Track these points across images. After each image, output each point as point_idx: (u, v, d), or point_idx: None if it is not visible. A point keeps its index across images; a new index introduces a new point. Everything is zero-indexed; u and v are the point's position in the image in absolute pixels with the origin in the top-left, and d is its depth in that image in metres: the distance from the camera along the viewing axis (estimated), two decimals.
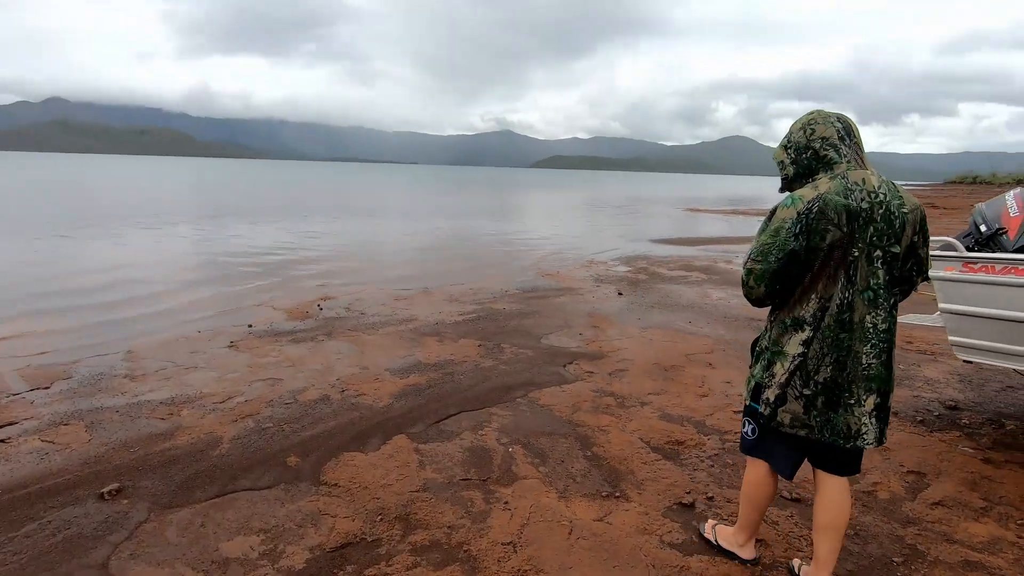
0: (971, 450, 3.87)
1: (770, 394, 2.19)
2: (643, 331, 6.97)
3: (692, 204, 39.48)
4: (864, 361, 2.05)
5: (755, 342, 2.37)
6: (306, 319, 7.36)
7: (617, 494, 3.29)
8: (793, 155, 2.21)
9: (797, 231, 2.01)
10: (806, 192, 2.08)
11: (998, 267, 3.61)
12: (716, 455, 3.79)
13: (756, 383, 2.29)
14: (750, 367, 2.38)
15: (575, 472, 3.55)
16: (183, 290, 8.91)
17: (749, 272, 2.12)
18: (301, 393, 4.78)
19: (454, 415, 4.40)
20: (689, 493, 3.31)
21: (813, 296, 2.07)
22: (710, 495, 3.30)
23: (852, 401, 2.08)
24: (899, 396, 4.78)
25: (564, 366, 5.60)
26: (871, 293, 2.04)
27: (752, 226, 23.16)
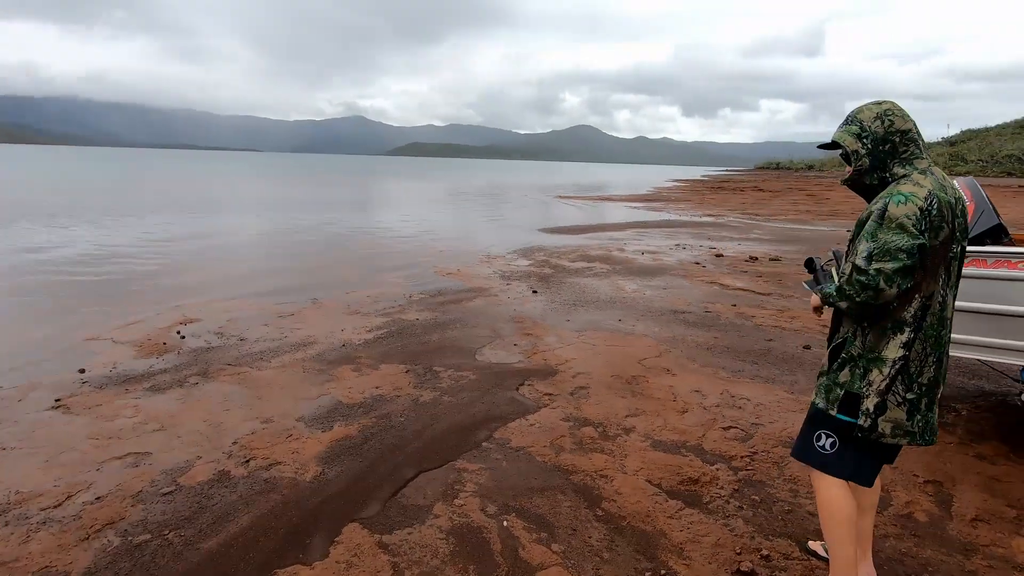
0: (955, 444, 3.84)
1: (869, 404, 2.04)
2: (580, 335, 6.41)
3: (554, 191, 40.54)
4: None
5: (834, 348, 2.17)
6: (165, 354, 5.68)
7: (663, 572, 2.62)
8: (869, 146, 2.10)
9: (922, 227, 1.93)
10: (914, 188, 1.97)
11: (989, 260, 3.53)
12: (737, 491, 3.29)
13: (847, 393, 2.10)
14: (823, 375, 2.20)
15: (597, 545, 2.81)
16: None
17: (878, 272, 1.92)
18: (184, 473, 3.42)
19: (413, 479, 3.41)
20: (740, 554, 2.74)
21: (916, 296, 1.99)
22: (763, 552, 2.76)
23: (939, 397, 2.10)
24: None
25: (517, 389, 4.81)
26: (955, 289, 2.07)
27: (624, 213, 24.18)
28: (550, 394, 4.70)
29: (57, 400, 4.49)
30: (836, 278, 2.28)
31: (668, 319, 7.15)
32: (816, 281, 2.44)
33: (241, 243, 13.34)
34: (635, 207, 27.10)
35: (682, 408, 4.42)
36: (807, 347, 6.04)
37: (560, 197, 33.69)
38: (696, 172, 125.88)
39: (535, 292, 8.60)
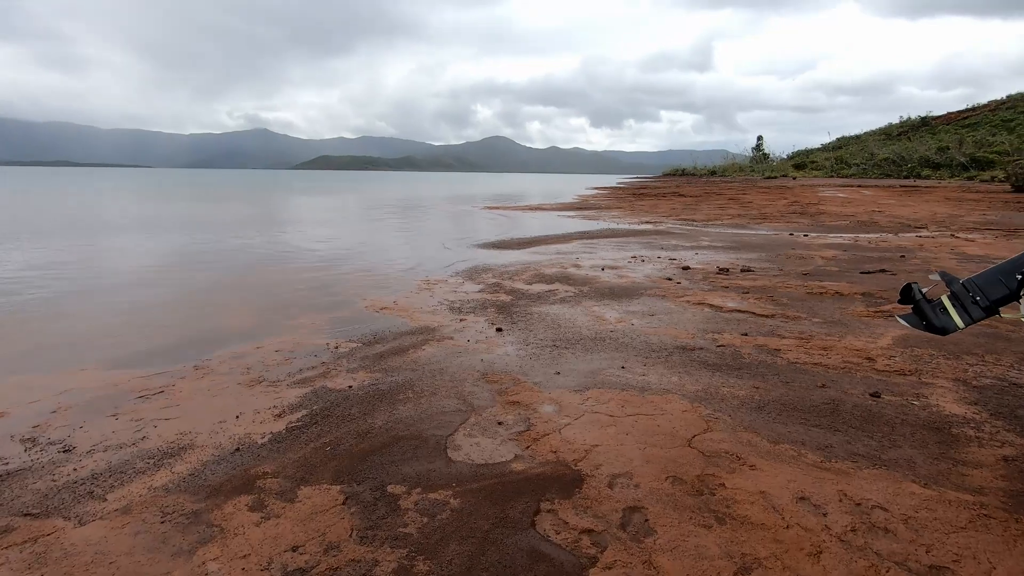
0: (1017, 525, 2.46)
1: None
2: (583, 397, 4.66)
3: (476, 201, 38.90)
4: None
5: None
6: None
7: None
8: None
9: None
10: None
11: None
12: None
13: None
14: None
15: None
16: None
17: None
18: None
19: None
20: None
21: None
22: None
23: None
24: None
25: (533, 525, 2.96)
26: None
27: (559, 222, 22.89)
28: (590, 531, 2.89)
29: None
30: (951, 307, 0.95)
31: (681, 361, 5.58)
32: (919, 312, 1.17)
33: (101, 279, 10.44)
34: (568, 216, 25.97)
35: (808, 544, 2.77)
36: (875, 395, 4.66)
37: (487, 208, 32.03)
38: (610, 179, 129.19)
39: (500, 330, 6.77)
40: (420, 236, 17.97)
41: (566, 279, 10.11)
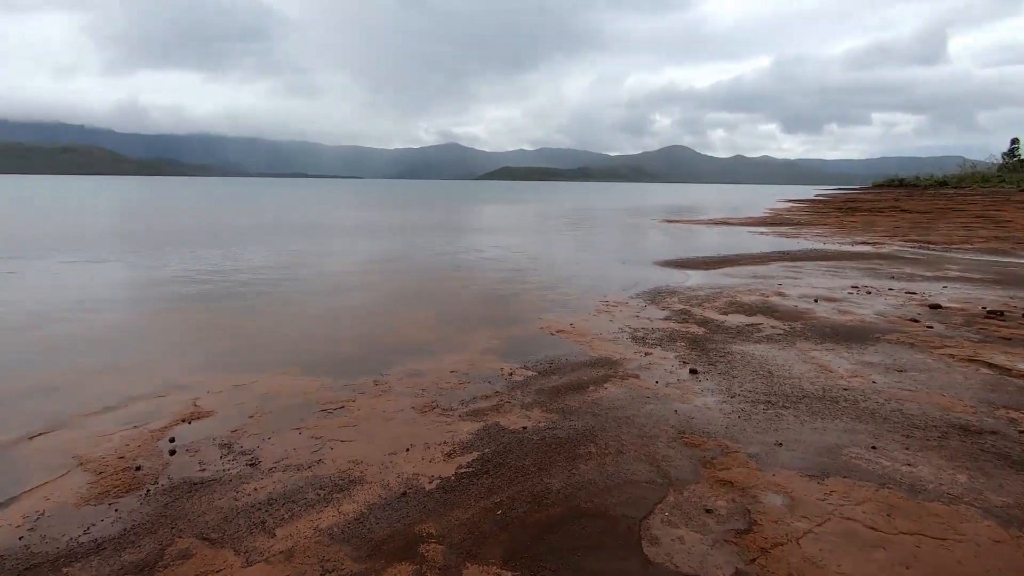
0: None
1: None
2: (825, 492, 3.48)
3: (655, 214, 36.97)
4: None
5: None
6: (126, 493, 3.50)
7: None
8: None
9: None
10: None
11: None
12: None
13: None
14: None
15: None
16: None
17: None
18: None
19: None
20: None
21: None
22: None
23: None
24: None
25: None
26: None
27: (752, 240, 20.45)
28: None
29: None
30: None
31: (966, 450, 4.01)
32: None
33: (315, 278, 11.55)
34: (760, 232, 23.18)
35: None
36: None
37: (666, 221, 30.22)
38: (807, 191, 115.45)
39: (694, 372, 5.72)
40: (596, 250, 17.30)
41: (770, 311, 8.56)
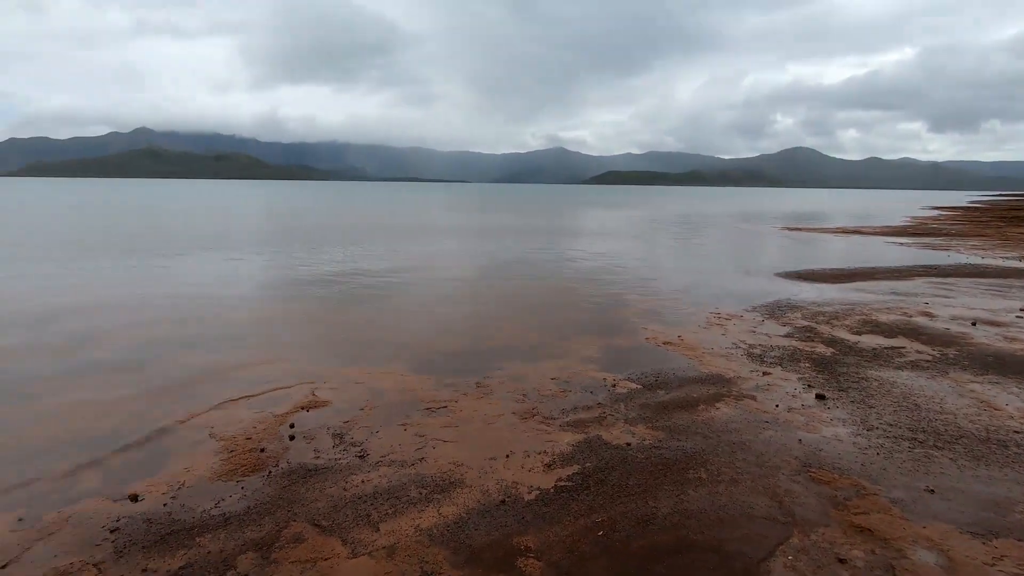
0: None
1: None
2: (992, 555, 2.93)
3: (772, 221, 34.32)
4: None
5: None
6: (253, 472, 3.79)
7: None
8: None
9: None
10: None
11: None
12: None
13: None
14: None
15: None
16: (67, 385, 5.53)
17: None
18: None
19: None
20: None
21: None
22: None
23: None
24: None
25: None
26: None
27: (889, 251, 18.30)
28: None
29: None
30: None
31: None
32: None
33: (424, 279, 12.01)
34: (900, 243, 20.68)
35: None
36: None
37: (785, 228, 27.98)
38: (958, 197, 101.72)
39: (821, 398, 5.15)
40: (706, 258, 16.39)
41: (914, 333, 7.53)
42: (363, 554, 2.94)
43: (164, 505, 3.41)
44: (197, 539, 3.08)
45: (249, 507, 3.39)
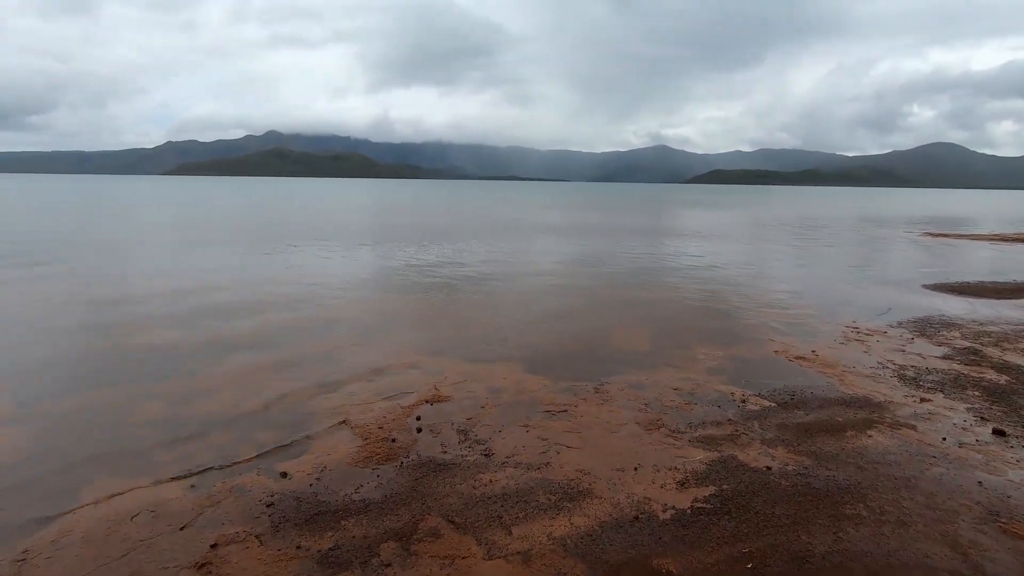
0: None
1: None
2: None
3: (899, 224, 30.67)
4: None
5: None
6: (386, 461, 3.95)
7: None
8: None
9: None
10: None
11: None
12: None
13: None
14: None
15: None
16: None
17: None
18: None
19: None
20: None
21: None
22: None
23: None
24: None
25: None
26: None
27: None
28: None
29: (201, 565, 2.94)
30: None
31: None
32: None
33: (529, 276, 12.05)
34: None
35: None
36: None
37: (926, 234, 24.93)
38: None
39: (1001, 434, 4.45)
40: (830, 265, 14.97)
41: None
42: (498, 557, 2.93)
43: (310, 486, 3.64)
44: (342, 522, 3.24)
45: (386, 496, 3.51)
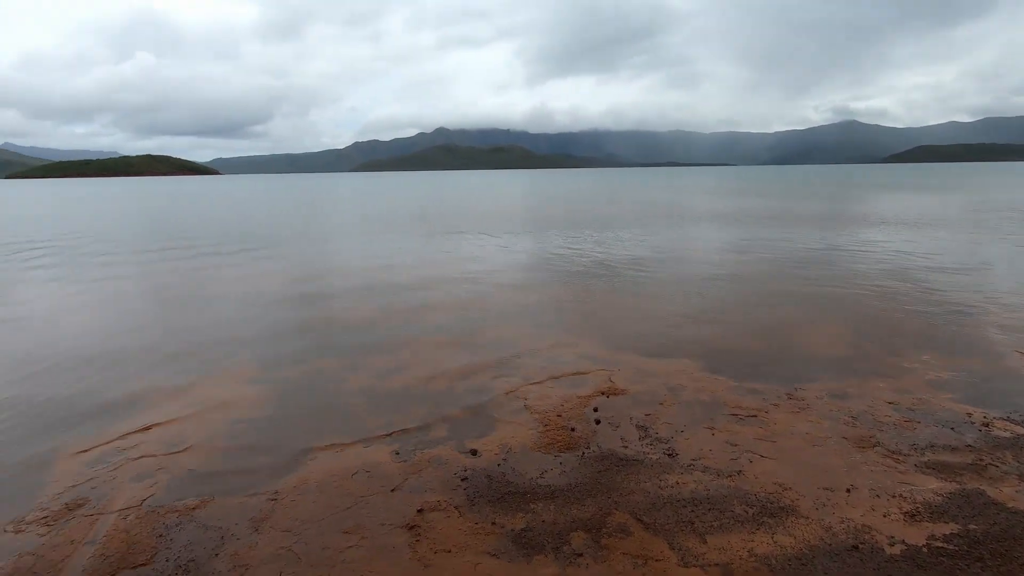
0: None
1: None
2: None
3: None
4: None
5: None
6: (566, 450, 4.00)
7: None
8: None
9: None
10: None
11: None
12: None
13: None
14: None
15: None
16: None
17: None
18: None
19: None
20: None
21: None
22: None
23: None
24: None
25: None
26: None
27: None
28: None
29: (412, 545, 3.23)
30: None
31: None
32: None
33: (692, 266, 11.35)
34: None
35: None
36: None
37: None
38: None
39: None
40: None
41: None
42: (694, 565, 2.78)
43: (498, 465, 3.82)
44: (531, 505, 3.34)
45: (570, 484, 3.55)
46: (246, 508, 3.38)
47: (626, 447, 4.04)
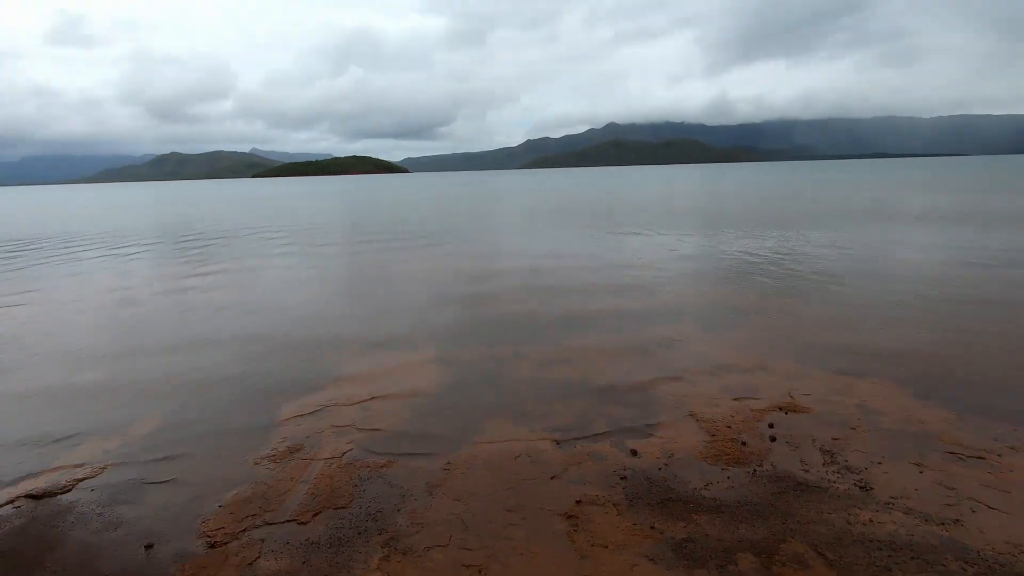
0: None
1: None
2: None
3: None
4: None
5: None
6: (735, 464, 3.74)
7: None
8: None
9: None
10: None
11: None
12: None
13: None
14: None
15: None
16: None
17: None
18: None
19: None
20: None
21: None
22: None
23: None
24: None
25: None
26: None
27: None
28: None
29: (570, 531, 3.30)
30: None
31: None
32: None
33: (895, 277, 9.66)
34: None
35: None
36: None
37: None
38: None
39: None
40: None
41: None
42: None
43: (659, 469, 3.71)
44: (693, 515, 3.19)
45: (739, 501, 3.31)
46: (423, 473, 3.76)
47: (807, 471, 3.64)
